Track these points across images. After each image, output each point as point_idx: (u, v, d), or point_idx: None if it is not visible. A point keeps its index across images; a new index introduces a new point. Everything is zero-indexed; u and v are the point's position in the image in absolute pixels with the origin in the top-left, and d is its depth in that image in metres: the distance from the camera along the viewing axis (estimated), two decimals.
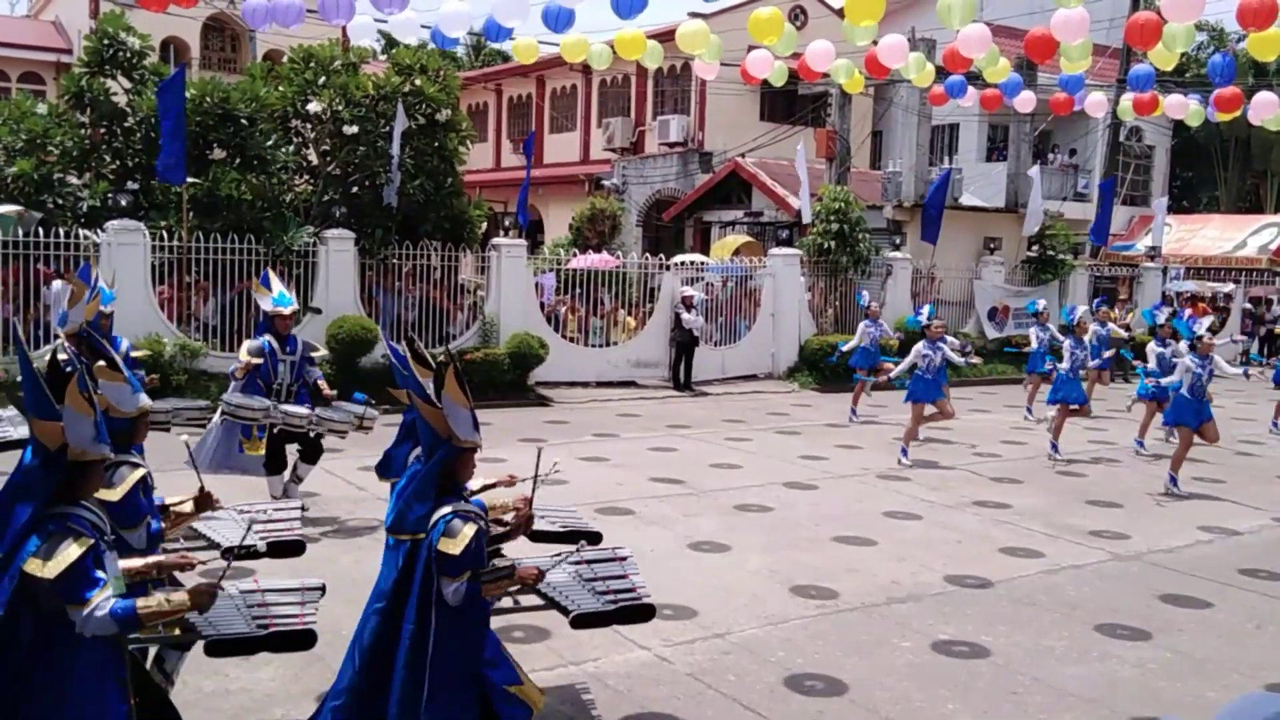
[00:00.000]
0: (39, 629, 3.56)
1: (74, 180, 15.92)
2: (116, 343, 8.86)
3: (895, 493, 11.05)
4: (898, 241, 22.63)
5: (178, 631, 4.36)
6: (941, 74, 15.38)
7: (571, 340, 18.25)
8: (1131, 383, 18.27)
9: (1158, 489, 11.50)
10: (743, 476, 11.54)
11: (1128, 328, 19.20)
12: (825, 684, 6.06)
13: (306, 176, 17.56)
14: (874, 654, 6.55)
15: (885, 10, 11.27)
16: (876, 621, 7.14)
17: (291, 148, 16.97)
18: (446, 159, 17.49)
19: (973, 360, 15.78)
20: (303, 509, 6.02)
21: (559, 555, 5.14)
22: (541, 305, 18.12)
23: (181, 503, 4.81)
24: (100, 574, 3.58)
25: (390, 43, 20.43)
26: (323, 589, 4.79)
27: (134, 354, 10.13)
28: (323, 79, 16.69)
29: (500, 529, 4.73)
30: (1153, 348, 13.83)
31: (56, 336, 8.33)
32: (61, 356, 3.81)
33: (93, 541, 3.59)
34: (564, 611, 5.08)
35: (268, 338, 8.95)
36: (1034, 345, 16.23)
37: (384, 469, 5.44)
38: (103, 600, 3.53)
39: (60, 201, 15.31)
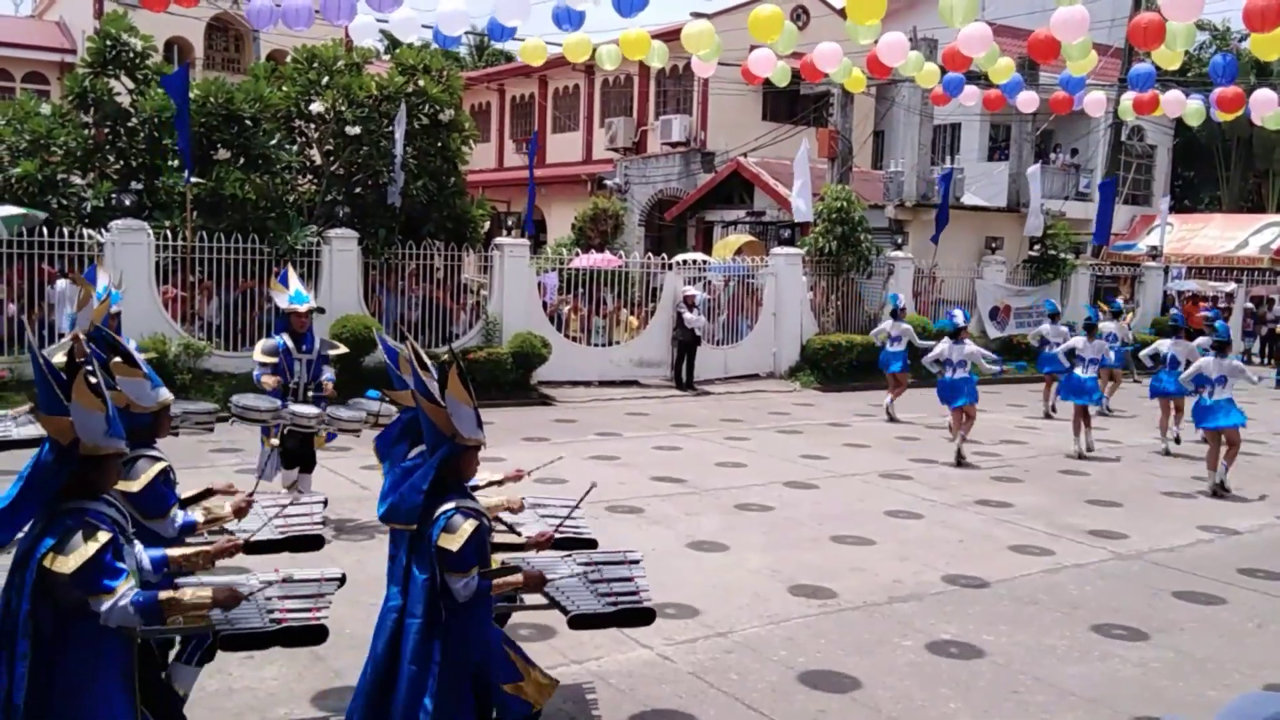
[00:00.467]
0: (58, 624, 3.59)
1: (78, 180, 15.94)
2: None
3: (897, 492, 11.08)
4: (899, 241, 22.65)
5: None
6: (943, 73, 15.39)
7: (574, 340, 18.29)
8: (1141, 383, 18.29)
9: (1159, 488, 11.51)
10: (744, 476, 11.57)
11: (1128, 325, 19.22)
12: (827, 683, 6.08)
13: (310, 176, 17.59)
14: (875, 653, 6.57)
15: (887, 9, 11.28)
16: (878, 620, 7.17)
17: (295, 148, 17.00)
18: (449, 159, 17.53)
19: (1004, 369, 15.79)
20: (324, 503, 6.01)
21: (568, 555, 5.15)
22: (544, 305, 18.16)
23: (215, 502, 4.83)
24: (121, 565, 3.61)
25: (393, 43, 20.43)
26: (342, 579, 4.78)
27: (138, 355, 10.10)
28: (326, 79, 16.72)
29: (515, 539, 4.72)
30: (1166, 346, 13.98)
31: (62, 335, 8.33)
32: (78, 357, 3.82)
33: (112, 535, 3.61)
34: (563, 611, 5.09)
35: (283, 336, 8.82)
36: (1056, 344, 16.07)
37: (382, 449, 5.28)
38: (126, 589, 3.55)
39: (64, 202, 15.33)
